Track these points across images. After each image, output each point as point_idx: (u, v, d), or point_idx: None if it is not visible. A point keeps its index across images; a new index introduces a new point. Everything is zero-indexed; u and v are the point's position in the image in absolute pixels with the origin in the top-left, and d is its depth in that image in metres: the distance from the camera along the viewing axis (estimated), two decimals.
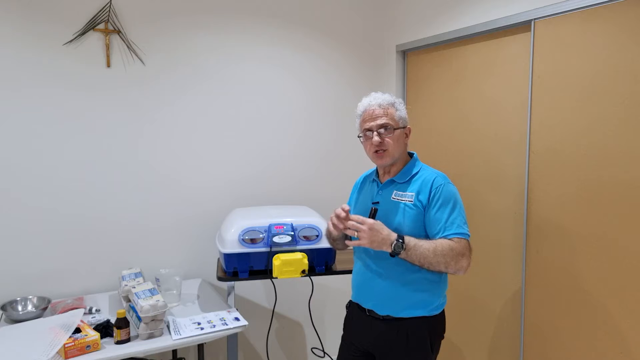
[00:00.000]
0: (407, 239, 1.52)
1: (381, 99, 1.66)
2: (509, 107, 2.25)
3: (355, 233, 1.54)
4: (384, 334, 1.65)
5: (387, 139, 1.62)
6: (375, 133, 1.62)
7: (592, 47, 1.90)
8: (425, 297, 1.62)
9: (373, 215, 1.58)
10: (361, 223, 1.53)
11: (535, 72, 2.11)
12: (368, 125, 1.64)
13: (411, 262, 1.54)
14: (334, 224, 1.61)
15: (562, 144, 2.02)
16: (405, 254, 1.51)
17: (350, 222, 1.55)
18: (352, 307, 1.81)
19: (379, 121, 1.62)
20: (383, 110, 1.64)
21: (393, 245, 1.50)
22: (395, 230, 1.57)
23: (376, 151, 1.64)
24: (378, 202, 1.66)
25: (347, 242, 1.60)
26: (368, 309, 1.69)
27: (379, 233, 1.51)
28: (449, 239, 1.53)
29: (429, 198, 1.59)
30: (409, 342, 1.61)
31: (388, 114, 1.64)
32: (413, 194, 1.61)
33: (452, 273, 1.56)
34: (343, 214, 1.58)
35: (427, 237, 1.60)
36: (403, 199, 1.62)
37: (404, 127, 1.67)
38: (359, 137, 1.72)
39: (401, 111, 1.67)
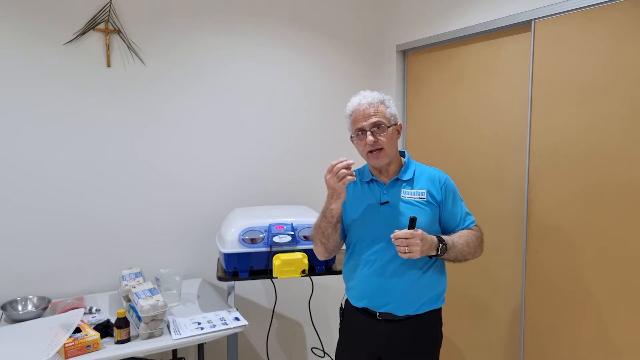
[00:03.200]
0: (445, 238, 1.55)
1: (371, 97, 1.63)
2: (509, 107, 2.25)
3: (406, 249, 1.47)
4: (399, 334, 1.63)
5: (381, 137, 1.59)
6: (368, 133, 1.59)
7: (592, 47, 1.90)
8: (438, 289, 1.66)
9: (414, 224, 1.51)
10: (410, 236, 1.47)
11: (535, 72, 2.11)
12: (360, 125, 1.60)
13: (447, 258, 1.58)
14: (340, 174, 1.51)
15: (562, 144, 2.02)
16: (447, 254, 1.55)
17: (398, 240, 1.48)
18: (351, 312, 1.75)
19: (372, 120, 1.59)
20: (374, 108, 1.60)
21: (440, 249, 1.52)
22: (404, 224, 1.55)
23: (371, 151, 1.60)
24: (388, 202, 1.63)
25: (401, 254, 1.49)
26: (380, 313, 1.64)
27: (426, 241, 1.50)
28: (470, 229, 1.63)
29: (442, 194, 1.64)
30: (425, 337, 1.65)
31: (379, 112, 1.60)
32: (424, 191, 1.63)
33: (473, 259, 1.63)
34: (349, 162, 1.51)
35: (440, 231, 1.66)
36: (415, 196, 1.62)
37: (395, 124, 1.64)
38: (351, 137, 1.68)
39: (391, 108, 1.65)
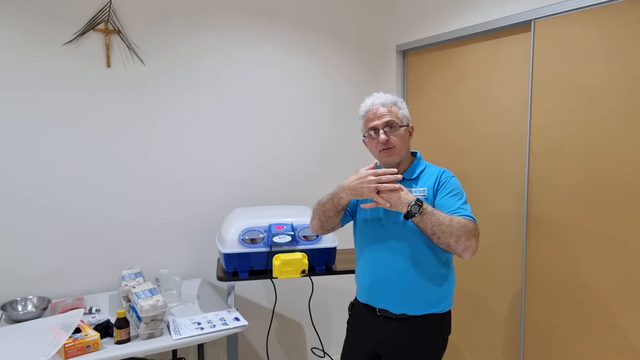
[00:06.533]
0: (425, 204, 1.49)
1: (384, 98, 1.67)
2: (509, 107, 2.25)
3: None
4: (396, 333, 1.63)
5: (393, 136, 1.62)
6: (381, 131, 1.62)
7: (592, 47, 1.90)
8: (440, 293, 1.63)
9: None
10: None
11: (535, 72, 2.11)
12: (373, 124, 1.64)
13: (423, 228, 1.51)
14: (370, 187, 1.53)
15: (562, 143, 2.02)
16: (421, 217, 1.48)
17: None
18: (357, 308, 1.79)
19: (385, 119, 1.63)
20: (387, 109, 1.65)
21: (410, 206, 1.47)
22: (410, 225, 1.56)
23: (383, 149, 1.63)
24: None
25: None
26: (379, 309, 1.67)
27: (396, 191, 1.49)
28: (463, 218, 1.53)
29: (437, 187, 1.62)
30: (422, 340, 1.62)
31: (392, 112, 1.65)
32: (425, 188, 1.63)
33: (459, 252, 1.51)
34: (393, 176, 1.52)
35: None
36: (416, 194, 1.62)
37: (407, 125, 1.68)
38: (363, 137, 1.71)
39: (404, 110, 1.69)
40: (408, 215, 1.49)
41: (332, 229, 1.78)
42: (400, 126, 1.64)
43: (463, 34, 2.41)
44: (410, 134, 1.70)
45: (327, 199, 1.69)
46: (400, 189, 1.50)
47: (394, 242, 1.62)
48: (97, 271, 2.30)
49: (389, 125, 1.62)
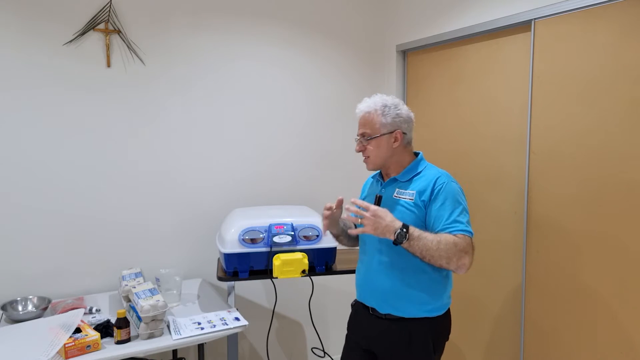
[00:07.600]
0: (411, 228, 1.49)
1: (366, 106, 1.66)
2: (509, 107, 2.25)
3: (359, 220, 1.53)
4: (386, 332, 1.65)
5: (369, 146, 1.65)
6: (357, 140, 1.69)
7: (592, 47, 1.90)
8: (426, 297, 1.60)
9: (377, 202, 1.61)
10: (365, 209, 1.52)
11: (535, 72, 2.11)
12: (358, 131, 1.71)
13: (413, 253, 1.51)
14: (325, 218, 1.73)
15: (562, 144, 2.02)
16: (408, 243, 1.49)
17: (353, 208, 1.53)
18: (357, 305, 1.82)
19: (360, 130, 1.68)
20: (364, 119, 1.66)
21: (396, 233, 1.48)
22: None
23: (364, 158, 1.70)
24: (381, 197, 1.68)
25: (349, 230, 1.62)
26: (371, 307, 1.70)
27: (382, 220, 1.49)
28: (453, 235, 1.51)
29: (430, 195, 1.58)
30: (412, 342, 1.61)
31: (368, 121, 1.64)
32: (414, 192, 1.60)
33: (453, 270, 1.53)
34: (328, 206, 1.72)
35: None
36: (404, 197, 1.62)
37: (390, 133, 1.63)
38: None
39: (388, 116, 1.62)
40: (396, 242, 1.50)
41: (355, 245, 1.93)
42: (373, 137, 1.63)
43: (463, 34, 2.41)
44: (397, 139, 1.64)
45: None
46: (382, 216, 1.51)
47: (379, 244, 1.67)
48: (97, 271, 2.30)
49: (363, 135, 1.66)
